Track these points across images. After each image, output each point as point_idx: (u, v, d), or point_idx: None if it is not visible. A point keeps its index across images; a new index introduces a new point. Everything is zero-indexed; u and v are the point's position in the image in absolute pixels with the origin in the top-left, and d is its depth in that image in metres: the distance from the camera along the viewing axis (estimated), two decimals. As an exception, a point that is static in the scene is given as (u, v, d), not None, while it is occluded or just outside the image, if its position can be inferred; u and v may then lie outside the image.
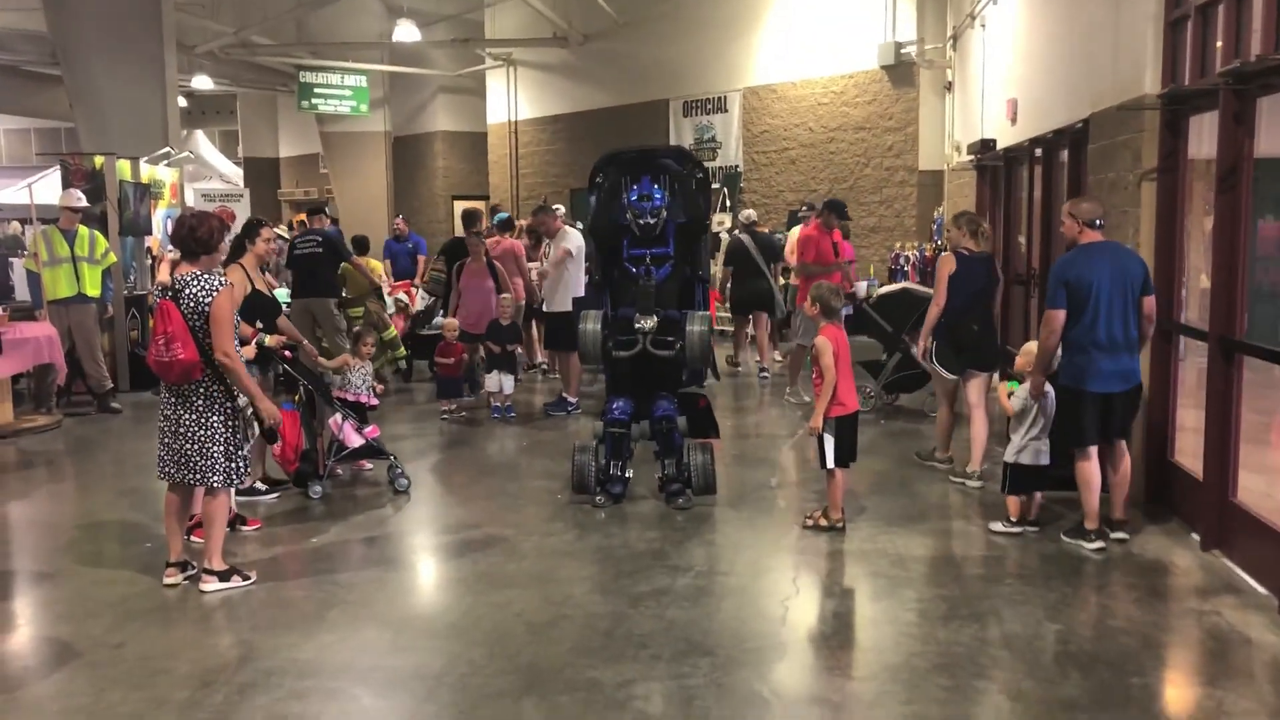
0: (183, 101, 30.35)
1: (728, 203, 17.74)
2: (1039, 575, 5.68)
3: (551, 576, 5.73)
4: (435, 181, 26.58)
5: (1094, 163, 7.77)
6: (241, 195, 19.18)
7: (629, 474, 7.14)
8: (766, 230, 13.88)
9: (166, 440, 5.44)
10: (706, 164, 18.47)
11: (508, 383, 10.09)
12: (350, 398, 7.62)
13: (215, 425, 5.35)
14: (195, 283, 5.26)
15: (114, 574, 5.89)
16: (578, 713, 4.18)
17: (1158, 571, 5.72)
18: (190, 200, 18.94)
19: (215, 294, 5.25)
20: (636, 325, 6.99)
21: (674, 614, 5.15)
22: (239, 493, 7.11)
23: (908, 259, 14.91)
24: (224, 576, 5.59)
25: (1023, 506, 6.36)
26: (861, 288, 10.97)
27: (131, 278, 12.90)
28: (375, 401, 7.93)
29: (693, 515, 6.81)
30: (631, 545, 6.23)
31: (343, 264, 11.38)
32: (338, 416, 7.36)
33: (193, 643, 4.94)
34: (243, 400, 5.41)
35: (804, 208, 13.88)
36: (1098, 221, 6.07)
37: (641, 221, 6.99)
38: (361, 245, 13.16)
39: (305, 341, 7.69)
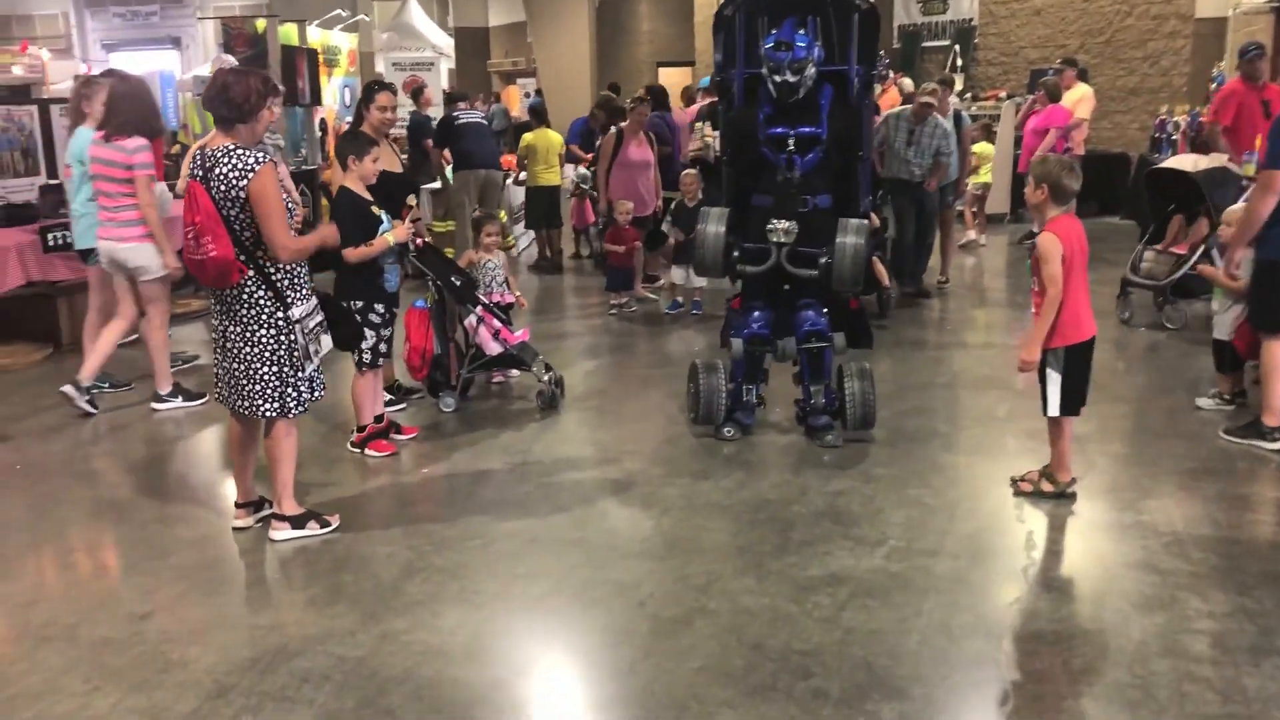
0: (392, -35, 29.77)
1: (958, 62, 15.48)
2: (1393, 580, 3.94)
3: (696, 543, 4.40)
4: (639, 48, 25.02)
5: None
6: (433, 64, 18.14)
7: (762, 399, 5.75)
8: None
9: (217, 357, 4.36)
10: (936, 18, 16.24)
11: (693, 274, 8.67)
12: (483, 298, 6.40)
13: (263, 341, 4.20)
14: (228, 160, 4.06)
15: (183, 510, 4.94)
16: (695, 789, 2.87)
17: None
18: (380, 69, 18.16)
19: (251, 174, 4.04)
20: (770, 231, 5.35)
21: (853, 618, 3.74)
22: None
23: (1176, 125, 12.45)
24: (298, 523, 4.54)
25: (1234, 382, 5.95)
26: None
27: (302, 151, 12.13)
28: (511, 298, 6.69)
29: (898, 461, 5.32)
30: (810, 500, 4.81)
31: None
32: (472, 319, 6.17)
33: (230, 619, 3.89)
34: (299, 310, 4.24)
35: (1060, 63, 11.70)
36: None
37: (778, 79, 5.16)
38: (539, 114, 11.94)
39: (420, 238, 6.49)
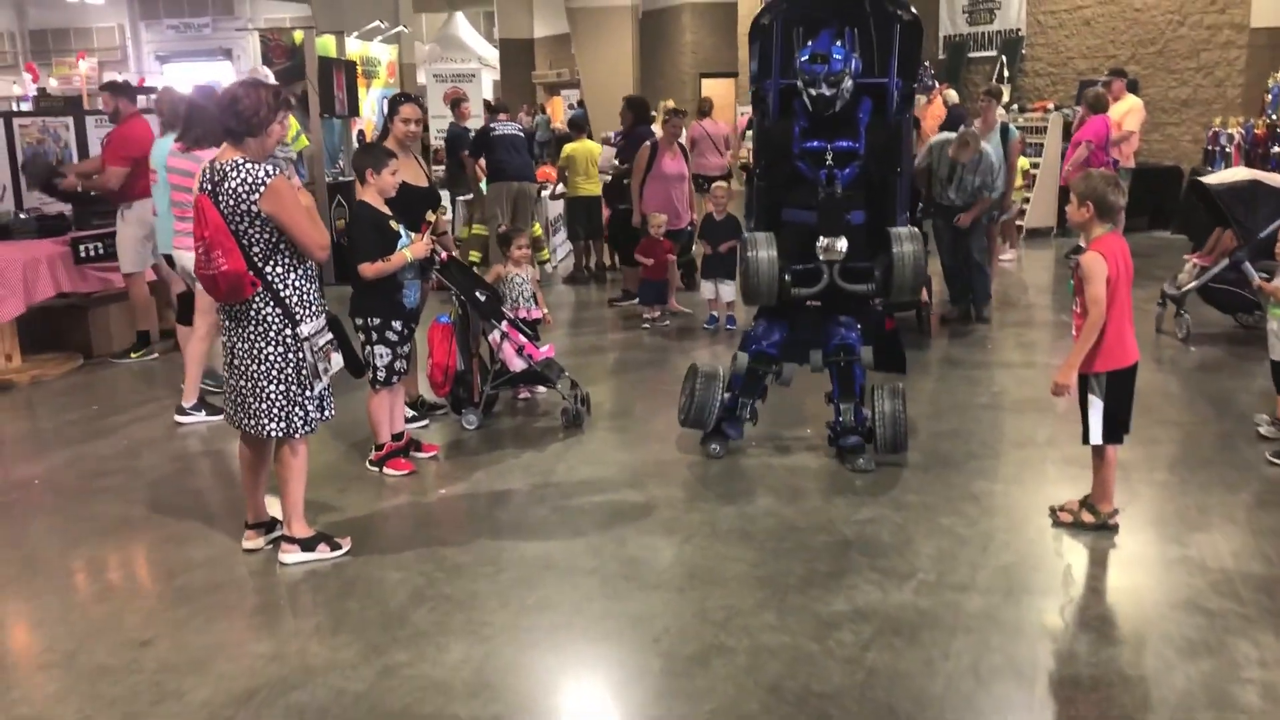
0: (438, -19, 29.97)
1: (1005, 73, 15.19)
2: None
3: (716, 574, 4.22)
4: (683, 59, 24.87)
5: None
6: (474, 75, 18.08)
7: (755, 415, 5.59)
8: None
9: (226, 374, 4.27)
10: (982, 28, 15.98)
11: (726, 290, 8.50)
12: (509, 313, 6.29)
13: (270, 359, 4.09)
14: (237, 174, 3.95)
15: (196, 530, 4.84)
16: (701, 845, 2.70)
17: None
18: (422, 80, 18.16)
19: (263, 188, 3.93)
20: (821, 249, 5.12)
21: (877, 658, 3.55)
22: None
23: (1230, 138, 12.11)
24: (308, 545, 4.42)
25: None
26: None
27: (340, 163, 12.10)
28: (539, 313, 6.56)
29: (931, 487, 5.11)
30: (837, 528, 4.62)
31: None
32: (496, 334, 6.03)
33: (231, 647, 3.76)
34: (308, 327, 4.12)
35: (1108, 74, 11.48)
36: None
37: (814, 92, 5.00)
38: (580, 125, 11.82)
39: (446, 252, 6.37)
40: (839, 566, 4.23)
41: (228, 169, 3.95)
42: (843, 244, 5.08)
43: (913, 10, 5.27)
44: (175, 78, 32.01)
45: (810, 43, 5.08)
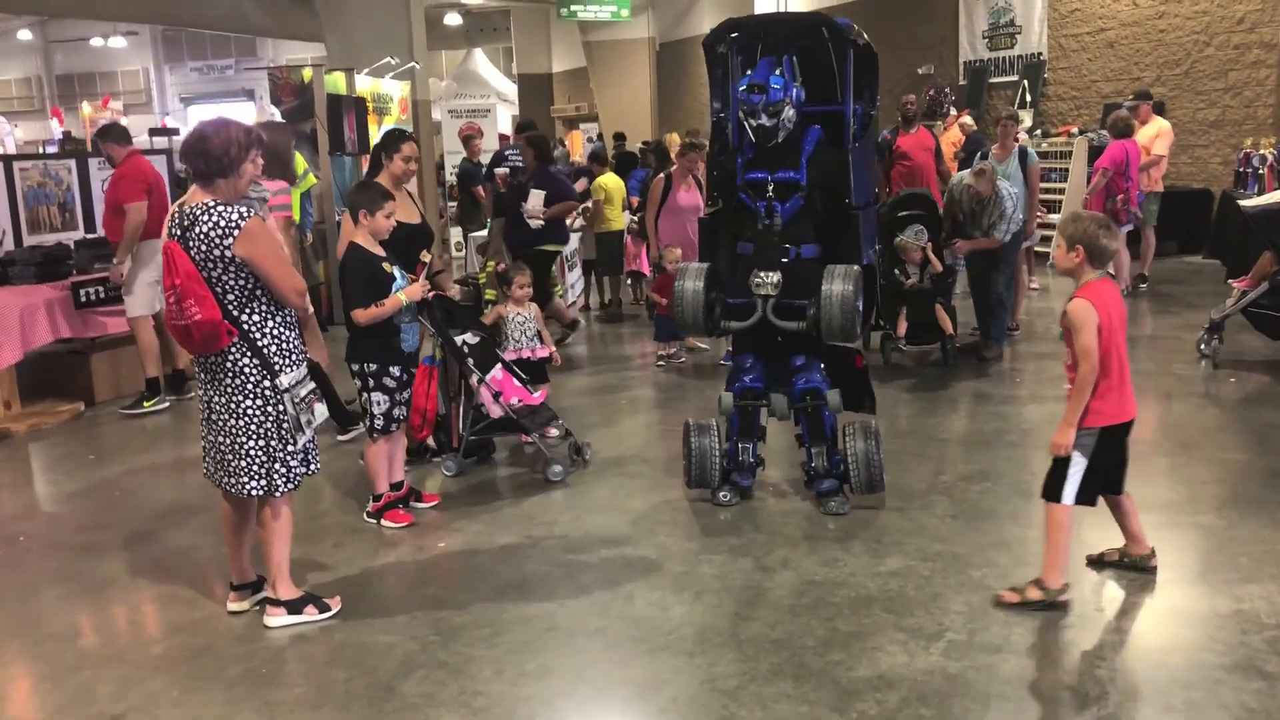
0: (457, 19, 30.06)
1: (1028, 98, 14.91)
2: None
3: (729, 635, 3.92)
4: (701, 91, 24.69)
5: None
6: (489, 111, 17.99)
7: (761, 459, 5.34)
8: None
9: (203, 430, 4.03)
10: (1003, 53, 15.74)
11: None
12: (511, 355, 6.04)
13: (249, 412, 3.85)
14: (208, 218, 3.72)
15: (181, 590, 4.59)
16: None
17: None
18: (437, 116, 18.06)
19: (236, 231, 3.70)
20: (755, 284, 4.98)
21: (904, 732, 3.24)
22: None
23: (1263, 159, 11.78)
24: (294, 608, 4.17)
25: None
26: None
27: (350, 201, 11.95)
28: (545, 352, 6.31)
29: (959, 535, 4.80)
30: (859, 582, 4.32)
31: None
32: (474, 379, 5.71)
33: (206, 724, 3.50)
34: (288, 378, 3.88)
35: (1133, 97, 11.20)
36: None
37: (754, 122, 4.83)
38: (603, 159, 11.64)
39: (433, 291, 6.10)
40: (861, 626, 3.93)
41: (198, 213, 3.71)
42: (775, 278, 4.92)
43: (865, 36, 5.07)
44: (198, 118, 32.29)
45: (749, 72, 4.92)
